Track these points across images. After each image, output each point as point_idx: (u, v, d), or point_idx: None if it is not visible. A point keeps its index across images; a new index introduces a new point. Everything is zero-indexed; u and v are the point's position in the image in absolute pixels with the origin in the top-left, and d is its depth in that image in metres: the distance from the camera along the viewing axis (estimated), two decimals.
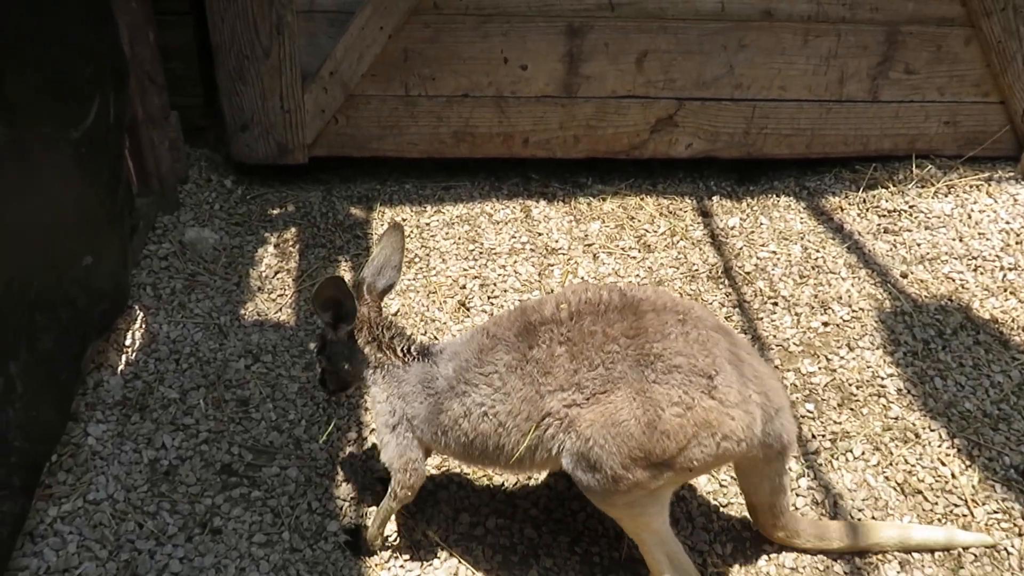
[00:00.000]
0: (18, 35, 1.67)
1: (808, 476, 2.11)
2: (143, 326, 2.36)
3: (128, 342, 2.31)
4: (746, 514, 2.00)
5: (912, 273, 2.80)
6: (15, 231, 1.67)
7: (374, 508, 1.85)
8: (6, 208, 1.63)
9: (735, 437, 1.62)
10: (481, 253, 2.85)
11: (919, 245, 2.93)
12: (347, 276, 2.63)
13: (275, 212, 2.96)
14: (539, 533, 1.95)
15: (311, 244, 2.83)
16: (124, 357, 2.27)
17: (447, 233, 2.93)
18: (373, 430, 2.09)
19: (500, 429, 1.65)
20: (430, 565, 1.87)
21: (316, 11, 2.78)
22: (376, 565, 1.86)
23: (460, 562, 1.88)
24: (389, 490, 1.80)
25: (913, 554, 1.93)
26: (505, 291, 2.68)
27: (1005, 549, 1.94)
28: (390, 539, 1.91)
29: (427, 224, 2.97)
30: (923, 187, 3.20)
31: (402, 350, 1.78)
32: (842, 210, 3.12)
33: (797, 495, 2.06)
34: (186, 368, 2.28)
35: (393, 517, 1.92)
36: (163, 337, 2.35)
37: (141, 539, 1.84)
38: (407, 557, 1.88)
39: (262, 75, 2.80)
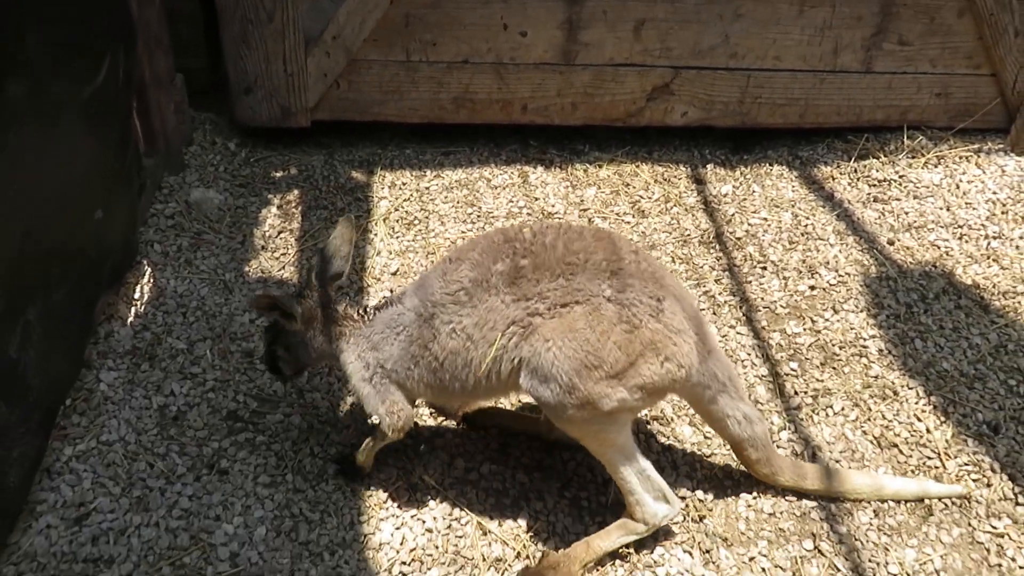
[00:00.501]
0: None
1: (789, 429, 2.21)
2: (151, 281, 2.45)
3: (137, 295, 2.39)
4: (728, 462, 2.10)
5: (899, 240, 2.88)
6: (32, 183, 1.75)
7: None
8: (24, 160, 1.70)
9: (676, 360, 1.72)
10: (479, 216, 2.92)
11: (907, 214, 3.01)
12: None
13: (278, 175, 3.03)
14: (530, 478, 2.05)
15: (313, 206, 2.91)
16: (133, 309, 2.35)
17: (446, 197, 3.01)
18: None
19: (468, 343, 1.73)
20: (426, 506, 1.97)
21: None
22: (375, 505, 1.96)
23: (455, 504, 1.98)
24: (378, 431, 1.90)
25: (888, 502, 2.03)
26: None
27: (976, 499, 2.04)
28: (390, 482, 2.01)
29: (427, 188, 3.04)
30: (913, 158, 3.27)
31: (359, 313, 1.88)
32: (833, 179, 3.19)
33: (779, 447, 2.15)
34: (193, 321, 2.37)
35: (393, 463, 2.02)
36: (170, 292, 2.44)
37: (152, 478, 1.94)
38: (404, 499, 1.98)
39: (266, 39, 2.86)
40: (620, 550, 1.87)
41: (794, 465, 2.02)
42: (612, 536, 1.86)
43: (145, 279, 2.44)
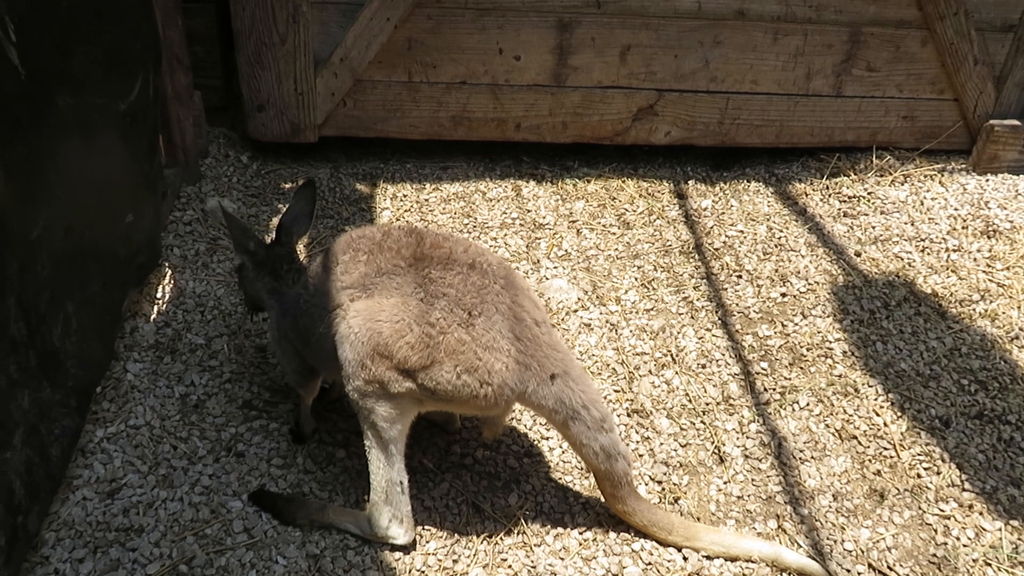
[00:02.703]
0: (83, 16, 1.95)
1: (758, 422, 2.41)
2: (172, 281, 2.64)
3: (159, 295, 2.58)
4: (701, 452, 2.30)
5: (865, 252, 3.10)
6: (75, 185, 1.95)
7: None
8: (69, 165, 1.90)
9: (478, 376, 1.78)
10: (475, 227, 3.13)
11: (874, 228, 3.23)
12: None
13: (287, 186, 3.24)
14: (520, 464, 2.24)
15: (319, 215, 3.11)
16: (156, 307, 2.55)
17: (444, 208, 3.21)
18: None
19: (314, 320, 1.92)
20: (425, 487, 2.16)
21: (329, 1, 3.05)
22: None
23: (451, 485, 2.17)
24: (296, 396, 2.17)
25: (845, 487, 2.23)
26: None
27: (926, 486, 2.24)
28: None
29: (426, 200, 3.25)
30: (882, 176, 3.50)
31: (292, 279, 2.05)
32: (806, 195, 3.42)
33: (747, 438, 2.35)
34: (210, 319, 2.56)
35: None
36: (189, 292, 2.63)
37: (176, 458, 2.12)
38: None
39: (278, 60, 3.08)
40: (519, 529, 2.04)
41: (651, 510, 2.01)
42: (346, 517, 1.99)
43: (166, 280, 2.64)
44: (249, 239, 2.07)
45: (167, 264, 2.69)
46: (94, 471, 2.05)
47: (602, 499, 2.06)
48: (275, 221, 3.03)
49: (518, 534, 2.06)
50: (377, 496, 1.92)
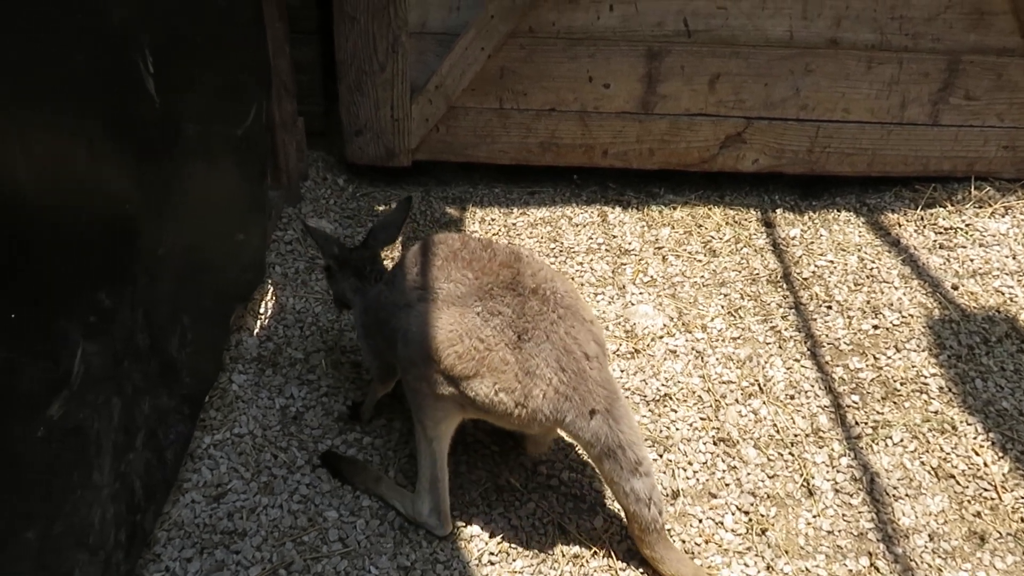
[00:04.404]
0: (207, 49, 2.09)
1: (849, 456, 2.36)
2: (274, 298, 2.78)
3: (262, 310, 2.72)
4: (790, 483, 2.27)
5: (963, 285, 3.01)
6: (195, 206, 2.09)
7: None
8: (191, 187, 2.04)
9: (513, 398, 1.85)
10: (561, 251, 3.18)
11: (972, 260, 3.13)
12: None
13: (381, 208, 3.36)
14: (605, 488, 2.26)
15: (411, 237, 3.21)
16: (259, 322, 2.68)
17: (531, 232, 3.28)
18: None
19: (388, 314, 2.03)
20: (512, 506, 2.20)
21: (426, 32, 3.17)
22: (467, 503, 2.20)
23: (537, 506, 2.20)
24: (372, 384, 2.31)
25: (942, 527, 2.16)
26: (581, 285, 3.01)
27: None
28: (480, 484, 2.25)
29: (513, 224, 3.32)
30: (980, 207, 3.39)
31: (374, 278, 2.21)
32: (900, 226, 3.34)
33: (838, 472, 2.31)
34: (308, 335, 2.67)
35: (482, 467, 2.26)
36: (289, 308, 2.76)
37: (276, 467, 2.23)
38: (493, 499, 2.21)
39: (377, 87, 3.21)
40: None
41: (681, 561, 1.99)
42: (396, 494, 2.13)
43: (269, 296, 2.77)
44: (332, 244, 2.28)
45: (269, 281, 2.83)
46: (202, 476, 2.16)
47: (690, 525, 2.05)
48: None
49: (603, 557, 2.08)
50: (421, 485, 2.05)
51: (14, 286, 1.31)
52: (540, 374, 1.86)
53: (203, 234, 2.17)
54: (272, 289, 2.81)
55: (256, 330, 2.65)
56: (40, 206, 1.38)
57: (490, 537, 2.12)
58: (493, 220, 3.34)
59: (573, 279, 3.04)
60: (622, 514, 2.07)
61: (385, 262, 2.34)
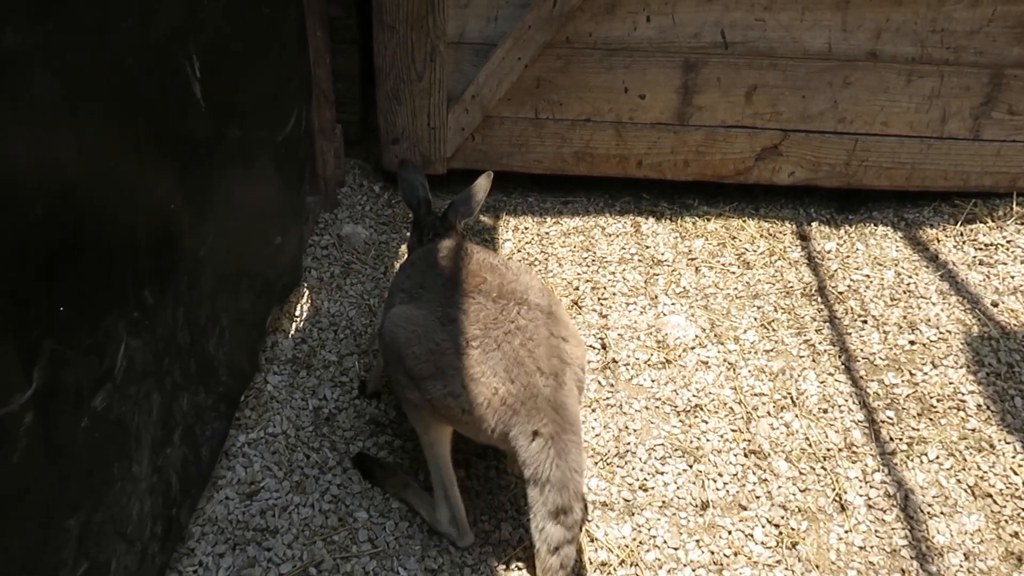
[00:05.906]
0: (251, 55, 2.15)
1: (883, 472, 2.33)
2: (309, 301, 2.83)
3: (297, 313, 2.77)
4: (821, 497, 2.24)
5: (1003, 303, 2.95)
6: (235, 209, 2.14)
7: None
8: (233, 191, 2.09)
9: (460, 403, 1.86)
10: (594, 261, 3.19)
11: (1013, 277, 3.08)
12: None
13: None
14: (634, 496, 2.25)
15: None
16: (294, 324, 2.73)
17: (564, 242, 3.29)
18: None
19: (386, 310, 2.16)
20: None
21: (464, 42, 3.21)
22: (495, 508, 2.21)
23: None
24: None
25: (979, 546, 2.12)
26: (614, 294, 3.01)
27: None
28: (508, 488, 2.26)
29: (547, 233, 3.34)
30: (1022, 224, 3.33)
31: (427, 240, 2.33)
32: (938, 241, 3.29)
33: (871, 487, 2.28)
34: (342, 338, 2.71)
35: (511, 472, 2.28)
36: (324, 311, 2.80)
37: (308, 467, 2.26)
38: (522, 503, 2.22)
39: (414, 96, 3.26)
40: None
41: None
42: (421, 502, 2.13)
43: (304, 299, 2.82)
44: (418, 201, 2.44)
45: (305, 285, 2.88)
46: (236, 473, 2.20)
47: (719, 536, 2.04)
48: (404, 247, 3.20)
49: (631, 566, 2.07)
50: (437, 493, 2.06)
51: (65, 282, 1.36)
52: (485, 381, 1.85)
53: (242, 237, 2.22)
54: (308, 292, 2.86)
55: (291, 332, 2.70)
56: (92, 206, 1.43)
57: (518, 543, 2.12)
58: (527, 229, 3.36)
59: (605, 288, 3.04)
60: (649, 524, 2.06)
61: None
